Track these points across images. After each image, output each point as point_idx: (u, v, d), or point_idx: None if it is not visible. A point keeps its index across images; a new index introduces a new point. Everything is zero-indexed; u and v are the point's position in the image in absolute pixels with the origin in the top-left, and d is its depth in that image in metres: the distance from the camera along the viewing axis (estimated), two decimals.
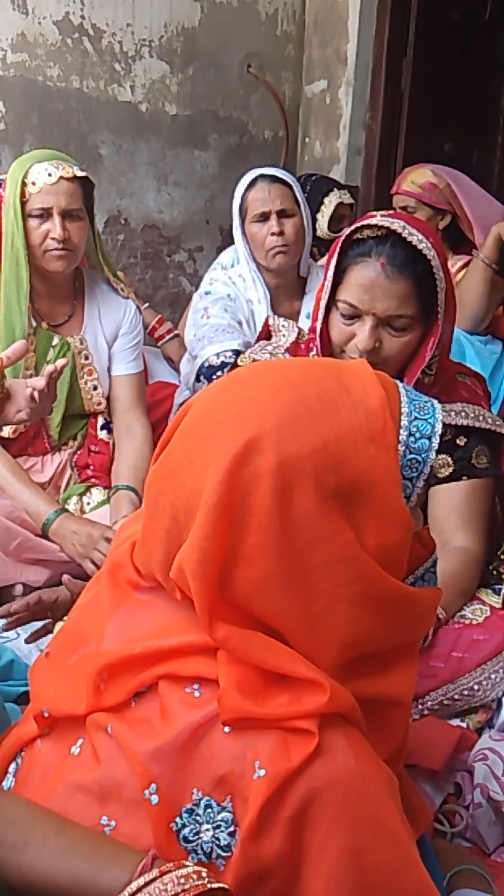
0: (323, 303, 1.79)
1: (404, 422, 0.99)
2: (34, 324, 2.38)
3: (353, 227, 1.76)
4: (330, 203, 3.41)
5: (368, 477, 0.94)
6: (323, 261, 2.98)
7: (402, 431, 0.99)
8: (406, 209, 3.07)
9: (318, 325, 1.82)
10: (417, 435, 0.99)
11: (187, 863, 0.87)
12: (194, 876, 0.85)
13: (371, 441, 0.95)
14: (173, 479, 0.99)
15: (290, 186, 2.76)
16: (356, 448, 0.94)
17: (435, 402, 1.04)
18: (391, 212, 1.84)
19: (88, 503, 2.44)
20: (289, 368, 1.03)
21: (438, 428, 1.00)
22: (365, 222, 1.75)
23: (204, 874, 0.85)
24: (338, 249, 1.77)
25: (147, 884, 0.84)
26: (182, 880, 0.84)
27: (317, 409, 0.95)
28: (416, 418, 1.00)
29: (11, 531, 2.20)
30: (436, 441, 1.00)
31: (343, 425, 0.95)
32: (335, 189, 3.46)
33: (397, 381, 1.04)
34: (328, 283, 1.78)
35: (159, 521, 0.99)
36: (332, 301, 1.79)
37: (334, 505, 0.93)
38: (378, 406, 0.97)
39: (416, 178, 3.09)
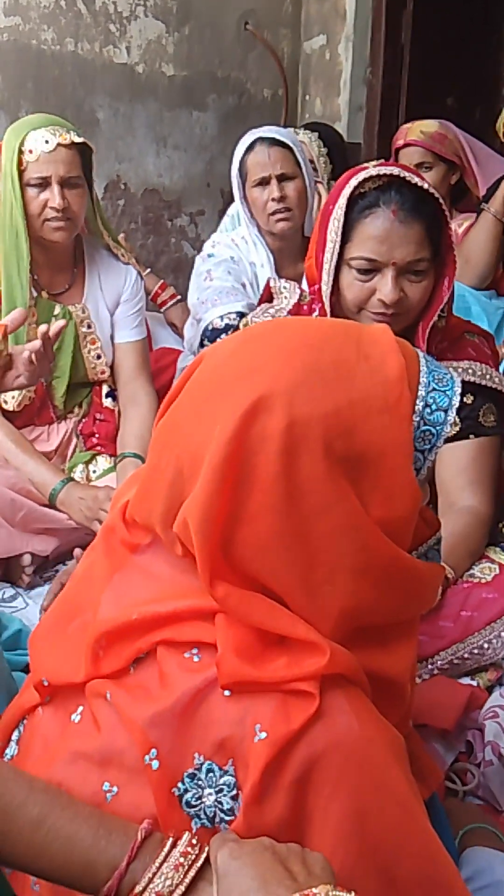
0: (330, 266, 1.76)
1: (421, 392, 0.97)
2: (34, 294, 2.35)
3: (351, 186, 1.72)
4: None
5: (379, 446, 0.93)
6: None
7: (418, 402, 0.97)
8: (422, 165, 3.01)
9: (326, 288, 1.78)
10: (434, 407, 0.98)
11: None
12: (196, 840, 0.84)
13: (385, 410, 0.93)
14: (180, 432, 0.97)
15: (289, 148, 2.71)
16: (369, 416, 0.93)
17: (455, 374, 1.02)
18: (380, 161, 1.80)
19: (94, 471, 2.44)
20: (307, 328, 1.01)
21: (456, 401, 0.99)
22: (363, 175, 1.71)
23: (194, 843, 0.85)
24: (340, 209, 1.73)
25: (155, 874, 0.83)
26: (195, 842, 0.84)
27: (332, 373, 0.93)
28: (433, 389, 0.98)
29: (16, 502, 2.20)
30: (452, 414, 0.98)
31: (358, 391, 0.93)
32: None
33: (418, 351, 1.02)
34: (333, 245, 1.74)
35: (162, 474, 0.98)
36: (340, 262, 1.75)
37: (342, 472, 0.91)
38: (396, 375, 0.95)
39: (426, 128, 3.04)
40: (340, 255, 1.74)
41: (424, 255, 1.71)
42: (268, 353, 0.96)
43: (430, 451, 0.99)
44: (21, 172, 2.24)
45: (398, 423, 0.94)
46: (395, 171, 1.70)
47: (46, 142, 2.23)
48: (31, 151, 2.23)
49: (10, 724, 1.08)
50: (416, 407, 0.97)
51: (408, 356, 0.99)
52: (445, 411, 0.98)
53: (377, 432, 0.93)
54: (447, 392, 0.99)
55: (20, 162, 2.24)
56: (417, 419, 0.97)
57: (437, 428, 0.98)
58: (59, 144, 2.23)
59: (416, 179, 1.69)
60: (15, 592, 2.20)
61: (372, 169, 1.72)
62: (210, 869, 0.82)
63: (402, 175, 1.69)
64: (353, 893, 0.75)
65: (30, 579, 2.22)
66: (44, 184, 2.24)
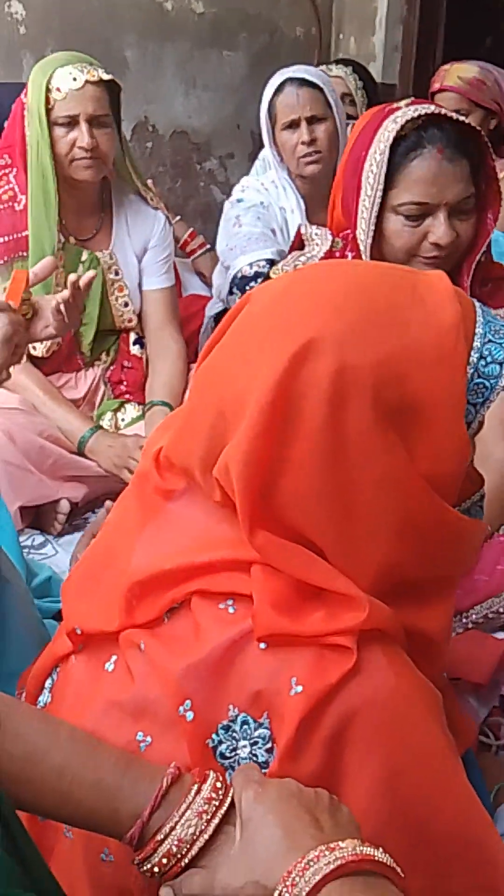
0: (370, 214, 1.69)
1: (476, 343, 0.94)
2: (62, 239, 2.33)
3: (393, 130, 1.65)
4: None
5: (431, 398, 0.90)
6: None
7: (472, 353, 0.93)
8: (458, 113, 2.92)
9: (366, 237, 1.72)
10: (489, 359, 0.94)
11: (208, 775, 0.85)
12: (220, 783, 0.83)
13: (439, 360, 0.90)
14: (224, 374, 0.95)
15: (320, 89, 2.63)
16: (422, 366, 0.90)
17: None
18: (410, 99, 1.73)
19: (123, 419, 2.45)
20: (361, 271, 0.99)
21: None
22: (401, 118, 1.64)
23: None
24: (380, 154, 1.66)
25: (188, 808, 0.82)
26: (219, 785, 0.83)
27: (386, 319, 0.91)
28: (489, 341, 0.95)
29: (45, 449, 2.20)
30: None
31: (412, 340, 0.90)
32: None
33: (475, 301, 0.98)
34: (375, 192, 1.67)
35: (204, 415, 0.95)
36: (382, 209, 1.69)
37: (390, 422, 0.89)
38: (452, 323, 0.91)
39: (463, 74, 2.94)
40: (381, 201, 1.68)
41: (472, 191, 1.66)
42: (319, 296, 0.93)
43: (483, 405, 0.96)
44: (48, 111, 2.21)
45: (451, 374, 0.91)
46: (432, 108, 1.64)
47: (74, 79, 2.19)
48: (58, 89, 2.19)
49: (43, 672, 1.08)
50: (471, 358, 0.94)
51: (464, 305, 0.95)
52: (501, 364, 0.95)
53: (429, 383, 0.90)
54: (503, 344, 0.95)
55: (47, 100, 2.20)
56: (471, 371, 0.94)
57: (492, 381, 0.95)
58: (87, 82, 2.19)
59: (454, 115, 1.64)
60: (44, 539, 2.21)
61: (407, 109, 1.65)
62: (234, 812, 0.81)
63: (440, 112, 1.63)
64: (380, 849, 0.74)
65: (62, 527, 2.23)
66: (72, 122, 2.21)
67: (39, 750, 0.85)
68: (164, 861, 0.80)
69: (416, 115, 1.64)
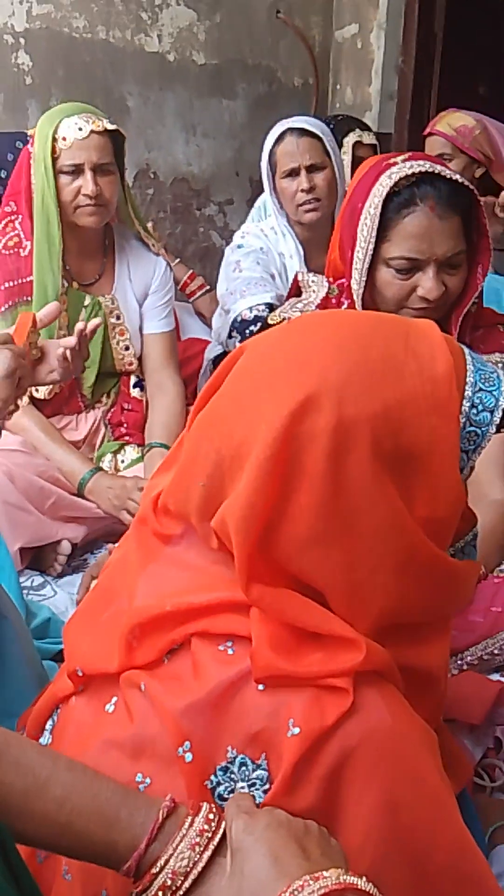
0: (363, 265, 1.73)
1: (468, 392, 0.96)
2: (65, 284, 2.36)
3: (387, 186, 1.69)
4: (347, 144, 3.25)
5: (427, 447, 0.91)
6: None
7: (465, 402, 0.95)
8: (442, 156, 2.99)
9: (358, 287, 1.76)
10: (480, 407, 0.96)
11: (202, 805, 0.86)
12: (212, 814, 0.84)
13: (434, 410, 0.92)
14: (221, 425, 0.96)
15: (319, 138, 2.69)
16: (418, 416, 0.91)
17: (501, 372, 1.00)
18: (408, 154, 1.77)
19: (122, 461, 2.46)
20: (354, 322, 1.00)
21: (502, 402, 0.97)
22: (396, 175, 1.68)
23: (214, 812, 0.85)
24: (374, 208, 1.70)
25: (185, 835, 0.83)
26: (212, 817, 0.84)
27: (381, 371, 0.92)
28: (480, 389, 0.97)
29: (45, 490, 2.21)
30: (498, 415, 0.96)
31: (407, 391, 0.91)
32: (356, 129, 3.33)
33: (464, 348, 1.00)
34: (367, 244, 1.71)
35: (200, 466, 0.97)
36: (374, 261, 1.73)
37: (388, 472, 0.90)
38: (444, 373, 0.93)
39: (452, 122, 3.01)
40: (374, 253, 1.72)
41: (462, 247, 1.69)
42: (315, 347, 0.95)
43: (475, 451, 0.98)
44: (54, 160, 2.25)
45: (446, 423, 0.93)
46: (426, 165, 1.67)
47: (80, 129, 2.24)
48: (64, 139, 2.24)
49: (43, 713, 1.08)
50: (463, 407, 0.96)
51: (455, 354, 0.97)
52: (492, 412, 0.97)
53: (425, 432, 0.91)
54: (493, 392, 0.97)
55: (53, 149, 2.25)
56: (463, 419, 0.96)
57: (483, 429, 0.97)
58: (92, 132, 2.24)
59: (447, 172, 1.67)
60: (43, 581, 2.21)
61: (402, 165, 1.69)
62: (226, 843, 0.82)
63: (433, 170, 1.66)
64: (363, 878, 0.75)
65: (62, 567, 2.23)
66: (77, 171, 2.26)
67: (39, 782, 0.85)
68: (160, 894, 0.81)
69: (410, 171, 1.67)
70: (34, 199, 2.29)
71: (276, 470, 0.90)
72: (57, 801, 0.84)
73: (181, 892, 0.81)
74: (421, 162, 1.69)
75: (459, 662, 1.66)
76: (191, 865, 0.81)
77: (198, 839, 0.82)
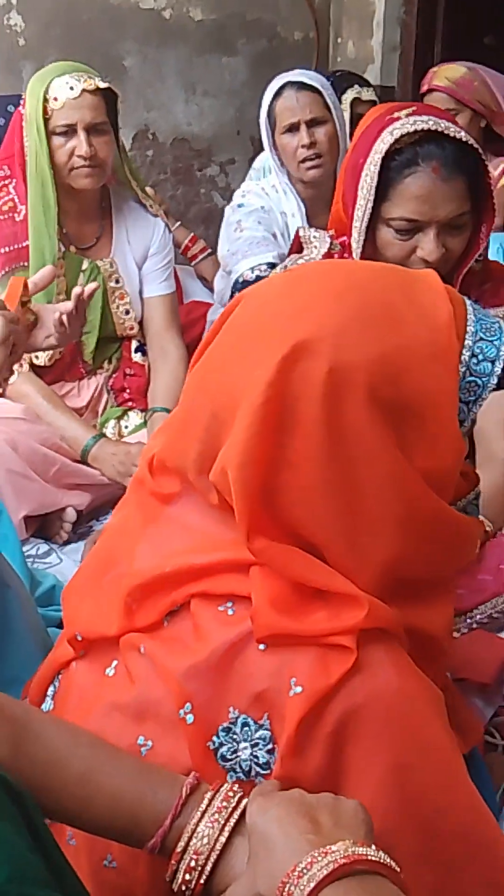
0: (361, 224, 1.69)
1: (468, 341, 0.94)
2: (62, 248, 2.34)
3: (387, 143, 1.64)
4: (345, 101, 3.17)
5: (425, 396, 0.90)
6: None
7: (464, 351, 0.94)
8: (449, 111, 2.92)
9: (357, 246, 1.72)
10: (480, 357, 0.95)
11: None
12: (232, 792, 0.84)
13: (433, 358, 0.90)
14: (217, 374, 0.95)
15: (319, 92, 2.64)
16: (416, 363, 0.90)
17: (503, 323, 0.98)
18: (413, 107, 1.71)
19: (126, 427, 2.45)
20: (354, 270, 0.99)
21: None
22: (398, 131, 1.63)
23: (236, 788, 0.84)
24: (374, 165, 1.65)
25: (208, 806, 0.83)
26: (231, 794, 0.83)
27: (380, 317, 0.91)
28: (481, 339, 0.95)
29: (48, 457, 2.20)
30: (499, 365, 0.95)
31: (406, 337, 0.90)
32: (355, 85, 3.26)
33: (465, 298, 0.99)
34: (366, 202, 1.67)
35: (197, 417, 0.95)
36: (374, 219, 1.68)
37: (386, 420, 0.89)
38: (445, 321, 0.92)
39: (450, 74, 2.95)
40: (375, 211, 1.68)
41: (465, 208, 1.65)
42: (312, 295, 0.93)
43: (475, 402, 0.96)
44: (46, 121, 2.22)
45: (445, 372, 0.91)
46: (431, 123, 1.61)
47: (71, 88, 2.20)
48: (55, 99, 2.21)
49: (45, 679, 1.07)
50: (463, 356, 0.94)
51: (456, 303, 0.95)
52: (493, 362, 0.95)
53: (423, 381, 0.90)
54: (495, 342, 0.95)
55: (45, 110, 2.22)
56: (463, 369, 0.94)
57: (484, 379, 0.95)
58: (84, 90, 2.20)
59: (452, 131, 1.61)
60: (49, 548, 2.21)
61: (406, 120, 1.63)
62: (244, 824, 0.82)
63: (438, 127, 1.61)
64: (372, 847, 0.73)
65: (68, 535, 2.23)
66: (70, 131, 2.22)
67: (62, 756, 0.85)
68: (188, 877, 0.81)
69: (413, 129, 1.62)
70: (27, 161, 2.26)
71: (271, 416, 0.88)
72: (78, 777, 0.84)
73: (206, 874, 0.80)
74: (425, 118, 1.63)
75: (469, 621, 1.66)
76: (211, 845, 0.81)
77: (217, 816, 0.82)
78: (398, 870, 0.74)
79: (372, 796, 0.86)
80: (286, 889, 0.71)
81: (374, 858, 0.72)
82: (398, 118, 1.65)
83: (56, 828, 0.97)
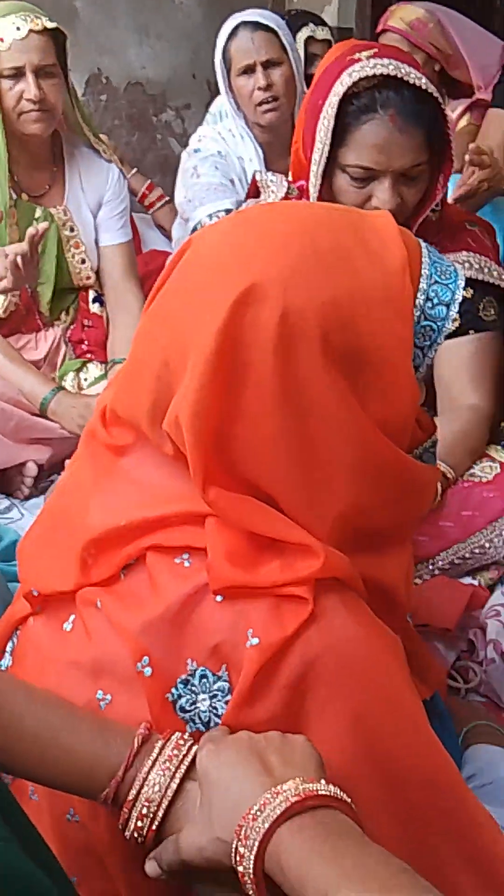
0: (318, 168, 1.66)
1: (423, 285, 0.92)
2: (14, 196, 2.28)
3: (345, 85, 1.60)
4: (299, 41, 3.10)
5: (379, 341, 0.88)
6: None
7: (419, 295, 0.92)
8: None
9: (314, 190, 1.69)
10: (435, 300, 0.93)
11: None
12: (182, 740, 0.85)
13: (386, 302, 0.88)
14: (167, 322, 0.92)
15: (275, 32, 2.58)
16: (368, 308, 0.88)
17: (458, 267, 0.97)
18: (375, 48, 1.67)
19: (85, 379, 2.41)
20: (304, 212, 0.96)
21: (459, 296, 0.94)
22: (357, 73, 1.58)
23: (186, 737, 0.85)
24: (332, 108, 1.61)
25: (159, 755, 0.83)
26: (182, 742, 0.84)
27: (330, 261, 0.88)
28: (436, 282, 0.93)
29: (6, 411, 2.17)
30: (454, 309, 0.93)
31: (357, 282, 0.88)
32: (309, 24, 3.19)
33: (420, 241, 0.96)
34: (323, 146, 1.64)
35: (149, 366, 0.93)
36: (331, 164, 1.66)
37: (339, 368, 0.87)
38: (398, 265, 0.89)
39: (405, 16, 2.88)
40: (331, 155, 1.65)
41: (423, 159, 1.62)
42: (261, 238, 0.91)
43: (430, 347, 0.95)
44: None
45: (399, 317, 0.89)
46: (392, 67, 1.57)
47: (17, 28, 2.13)
48: (2, 40, 2.14)
49: (3, 636, 1.06)
50: (417, 300, 0.92)
51: (410, 246, 0.93)
52: (447, 306, 0.93)
53: (377, 326, 0.88)
54: (450, 285, 0.94)
55: None
56: (418, 313, 0.92)
57: (438, 323, 0.93)
58: (31, 31, 2.13)
59: (413, 77, 1.57)
60: (10, 503, 2.18)
61: (366, 63, 1.59)
62: (195, 770, 0.83)
63: (398, 73, 1.57)
64: (322, 782, 0.75)
65: (29, 490, 2.21)
66: (17, 74, 2.16)
67: (17, 715, 0.86)
68: (140, 824, 0.82)
69: (372, 73, 1.58)
70: None
71: (222, 364, 0.86)
72: (34, 734, 0.85)
73: (157, 821, 0.81)
74: (386, 61, 1.59)
75: (431, 567, 1.67)
76: (162, 792, 0.82)
77: (167, 765, 0.83)
78: (349, 801, 0.75)
79: (330, 745, 0.86)
80: (242, 832, 0.73)
81: (324, 793, 0.74)
82: (358, 59, 1.60)
83: (18, 784, 0.97)
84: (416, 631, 1.20)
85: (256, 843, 0.72)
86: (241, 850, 0.73)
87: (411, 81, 1.57)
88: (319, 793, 0.74)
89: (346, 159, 1.63)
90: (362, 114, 1.59)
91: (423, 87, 1.58)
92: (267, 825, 0.72)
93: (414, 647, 1.06)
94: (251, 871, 0.73)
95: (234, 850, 0.74)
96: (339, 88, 1.60)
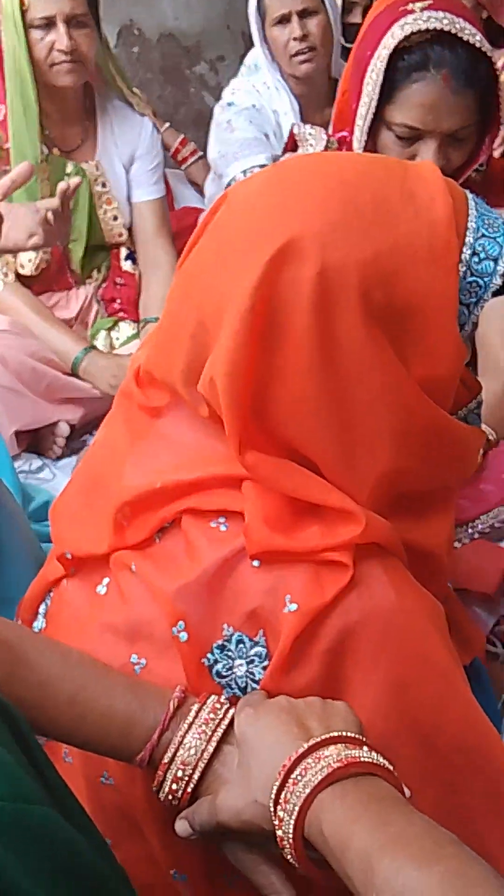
0: (364, 123, 1.61)
1: (469, 239, 0.88)
2: (45, 151, 2.26)
3: (396, 38, 1.54)
4: None
5: (422, 298, 0.85)
6: None
7: (465, 249, 0.88)
8: None
9: (358, 145, 1.65)
10: (482, 255, 0.89)
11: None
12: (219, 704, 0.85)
13: (431, 257, 0.85)
14: (202, 279, 0.89)
15: None
16: (413, 263, 0.84)
17: None
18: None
19: (117, 338, 2.41)
20: (345, 163, 0.93)
21: None
22: (409, 27, 1.52)
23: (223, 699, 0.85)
24: (381, 62, 1.56)
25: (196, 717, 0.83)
26: (218, 706, 0.84)
27: (372, 214, 0.85)
28: (483, 235, 0.89)
29: (38, 371, 2.17)
30: (502, 265, 0.89)
31: (401, 236, 0.84)
32: None
33: (467, 192, 0.92)
34: (371, 100, 1.59)
35: (183, 325, 0.90)
36: (377, 119, 1.61)
37: (380, 325, 0.84)
38: (444, 218, 0.86)
39: None
40: (378, 110, 1.60)
41: (472, 121, 1.58)
42: (300, 191, 0.87)
43: (476, 304, 0.91)
44: (23, 13, 2.12)
45: (444, 272, 0.85)
46: (447, 22, 1.51)
47: None
48: None
49: (36, 597, 1.06)
50: (463, 255, 0.88)
51: (456, 198, 0.89)
52: (495, 260, 0.89)
53: (421, 282, 0.84)
54: (498, 239, 0.90)
55: (22, 2, 2.11)
56: (464, 269, 0.88)
57: (486, 279, 0.89)
58: None
59: (467, 34, 1.51)
60: (42, 464, 2.20)
61: (419, 15, 1.52)
62: (233, 733, 0.83)
63: (453, 29, 1.51)
64: (364, 748, 0.74)
65: (61, 450, 2.22)
66: (49, 24, 2.13)
67: (54, 677, 0.85)
68: (175, 787, 0.82)
69: (425, 27, 1.52)
70: (5, 59, 2.16)
71: (258, 323, 0.83)
72: (70, 697, 0.85)
73: (193, 784, 0.81)
74: (441, 15, 1.52)
75: (470, 531, 1.64)
76: (198, 755, 0.81)
77: (203, 728, 0.82)
78: (391, 768, 0.74)
79: (370, 713, 0.85)
80: (283, 796, 0.73)
81: (367, 759, 0.73)
82: (411, 10, 1.54)
83: (51, 746, 0.97)
84: (456, 595, 1.19)
85: (297, 808, 0.71)
86: (281, 813, 0.73)
87: (466, 39, 1.51)
88: (362, 759, 0.73)
89: (392, 117, 1.59)
90: (413, 71, 1.54)
91: (478, 45, 1.52)
92: (308, 790, 0.71)
93: (453, 612, 1.04)
94: (290, 835, 0.72)
95: (273, 813, 0.74)
96: (389, 41, 1.54)
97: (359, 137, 1.64)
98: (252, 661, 0.88)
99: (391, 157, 1.60)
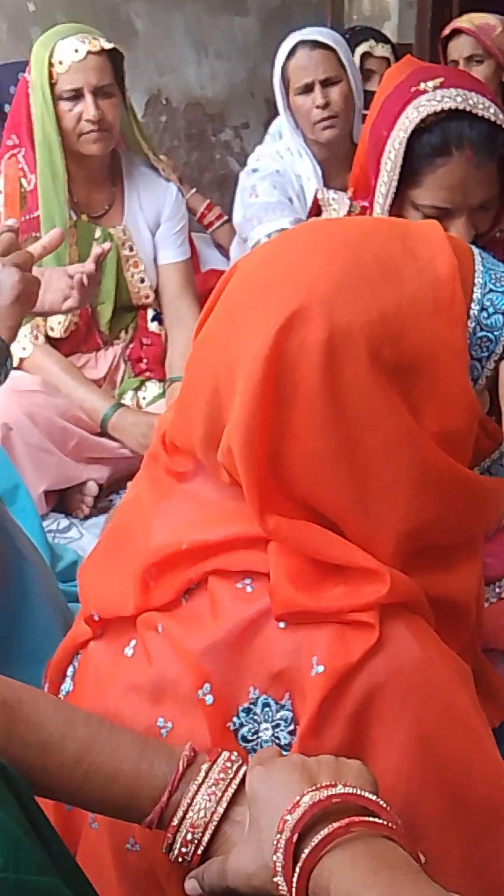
0: (385, 201, 1.62)
1: (477, 294, 0.89)
2: (73, 217, 2.31)
3: (413, 121, 1.56)
4: (356, 55, 3.05)
5: (430, 353, 0.85)
6: None
7: (473, 305, 0.89)
8: (473, 58, 2.84)
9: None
10: (491, 310, 0.89)
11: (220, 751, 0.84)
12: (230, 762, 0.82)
13: (436, 313, 0.85)
14: (215, 346, 0.91)
15: (333, 50, 2.58)
16: (418, 320, 0.85)
17: None
18: (441, 77, 1.62)
19: (144, 398, 2.44)
20: (347, 226, 0.94)
21: None
22: (424, 109, 1.55)
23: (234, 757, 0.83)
24: (400, 145, 1.58)
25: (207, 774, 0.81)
26: (229, 764, 0.82)
27: (375, 274, 0.86)
28: (490, 290, 0.90)
29: (67, 430, 2.20)
30: None
31: (405, 294, 0.85)
32: (370, 39, 3.17)
33: (472, 247, 0.93)
34: (391, 181, 1.59)
35: (199, 392, 0.92)
36: (401, 199, 1.61)
37: (390, 382, 0.85)
38: (447, 273, 0.86)
39: (474, 19, 2.87)
40: (400, 191, 1.60)
41: (498, 189, 1.59)
42: (304, 257, 0.89)
43: (489, 358, 0.91)
44: (52, 86, 2.19)
45: (450, 326, 0.86)
46: (460, 100, 1.53)
47: (76, 50, 2.17)
48: (60, 63, 2.17)
49: (64, 659, 1.05)
50: (472, 311, 0.89)
51: (461, 254, 0.90)
52: None
53: (427, 337, 0.85)
54: None
55: (51, 75, 2.19)
56: (473, 324, 0.89)
57: (496, 333, 0.90)
58: (89, 52, 2.17)
59: (481, 108, 1.53)
60: (69, 523, 2.21)
61: (433, 94, 1.54)
62: (244, 793, 0.80)
63: (467, 106, 1.52)
64: (366, 791, 0.73)
65: (89, 510, 2.23)
66: (76, 95, 2.19)
67: (55, 738, 0.83)
68: (184, 849, 0.80)
69: (440, 108, 1.54)
70: (34, 129, 2.23)
71: (268, 391, 0.84)
72: (73, 758, 0.82)
73: (203, 846, 0.79)
74: (454, 93, 1.54)
75: (497, 591, 1.62)
76: (208, 817, 0.79)
77: (214, 788, 0.80)
78: (397, 825, 0.72)
79: (395, 768, 0.84)
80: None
81: (373, 820, 0.71)
82: (424, 91, 1.57)
83: (77, 812, 0.96)
84: (484, 654, 1.17)
85: (299, 870, 0.70)
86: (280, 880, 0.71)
87: (480, 114, 1.53)
88: (369, 820, 0.71)
89: (419, 199, 1.59)
90: (436, 155, 1.55)
91: (492, 118, 1.54)
92: (308, 851, 0.70)
93: (482, 671, 1.04)
94: None
95: (274, 874, 0.72)
96: (405, 123, 1.56)
97: (378, 213, 1.65)
98: (278, 725, 0.87)
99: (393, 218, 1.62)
